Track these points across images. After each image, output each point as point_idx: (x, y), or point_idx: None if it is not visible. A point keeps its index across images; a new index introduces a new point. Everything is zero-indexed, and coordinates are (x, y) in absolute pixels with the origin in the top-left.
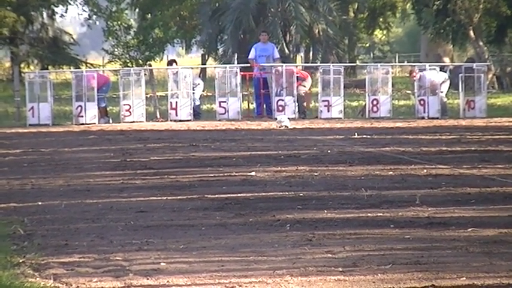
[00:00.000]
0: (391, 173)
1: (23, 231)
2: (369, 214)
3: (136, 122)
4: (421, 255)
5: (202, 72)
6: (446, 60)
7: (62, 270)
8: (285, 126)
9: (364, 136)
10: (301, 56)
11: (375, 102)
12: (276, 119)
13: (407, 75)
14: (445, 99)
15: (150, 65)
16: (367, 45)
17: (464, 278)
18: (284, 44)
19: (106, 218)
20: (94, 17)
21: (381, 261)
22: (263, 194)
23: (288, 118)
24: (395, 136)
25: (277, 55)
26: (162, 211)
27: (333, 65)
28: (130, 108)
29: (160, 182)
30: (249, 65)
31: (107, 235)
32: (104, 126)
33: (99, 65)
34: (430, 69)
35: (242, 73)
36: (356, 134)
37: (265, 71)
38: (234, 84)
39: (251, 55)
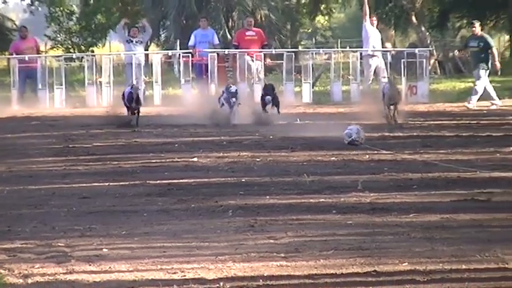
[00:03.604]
0: (333, 158)
1: None
2: (311, 200)
3: (79, 108)
4: (364, 240)
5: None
6: (389, 45)
7: (4, 256)
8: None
9: (307, 122)
10: None
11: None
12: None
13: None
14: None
15: (92, 51)
16: (310, 30)
17: (407, 264)
18: (226, 30)
19: (49, 204)
20: (36, 3)
21: (323, 246)
22: (205, 180)
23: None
24: (338, 121)
25: (217, 41)
26: (105, 197)
27: (275, 51)
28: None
29: (103, 168)
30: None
31: (49, 221)
32: (47, 112)
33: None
34: (372, 55)
35: (185, 59)
36: (298, 120)
37: (206, 57)
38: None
39: (191, 42)
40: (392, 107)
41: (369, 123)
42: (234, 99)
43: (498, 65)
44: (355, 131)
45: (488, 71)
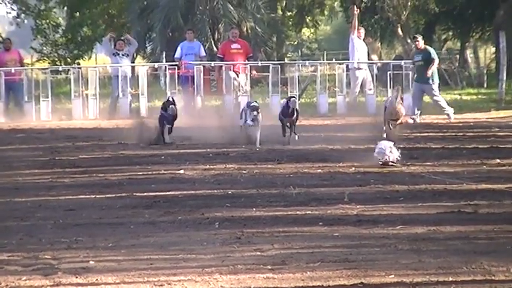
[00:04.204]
0: (319, 170)
1: None
2: (298, 212)
3: (65, 120)
4: (350, 252)
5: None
6: (375, 57)
7: None
8: None
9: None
10: None
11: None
12: None
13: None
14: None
15: (78, 63)
16: (296, 42)
17: (393, 276)
18: (212, 42)
19: (35, 217)
20: (22, 15)
21: (310, 258)
22: (192, 192)
23: None
24: (324, 133)
25: (203, 53)
26: (91, 209)
27: (261, 63)
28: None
29: (89, 180)
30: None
31: (35, 233)
32: (33, 124)
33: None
34: (358, 67)
35: (171, 71)
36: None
37: (192, 69)
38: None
39: (177, 54)
40: (393, 123)
41: (354, 135)
42: (255, 112)
43: (429, 73)
44: (388, 149)
45: (437, 83)
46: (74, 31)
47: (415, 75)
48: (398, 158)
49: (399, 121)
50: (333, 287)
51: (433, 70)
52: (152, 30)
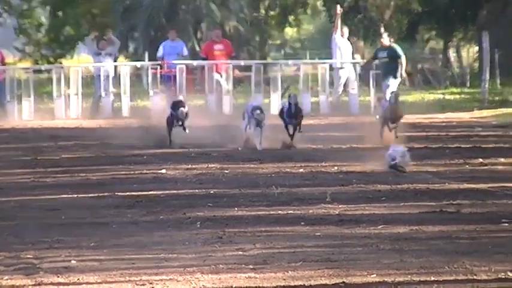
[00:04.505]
0: (301, 170)
1: None
2: (280, 211)
3: (48, 120)
4: (332, 252)
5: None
6: (358, 57)
7: None
8: None
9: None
10: None
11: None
12: None
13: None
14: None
15: (61, 63)
16: (278, 42)
17: (375, 275)
18: (195, 41)
19: (17, 216)
20: (5, 14)
21: (292, 258)
22: (174, 191)
23: None
24: (307, 133)
25: (186, 52)
26: (73, 209)
27: (243, 62)
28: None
29: (72, 180)
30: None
31: (18, 233)
32: (15, 124)
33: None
34: (341, 66)
35: (153, 71)
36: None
37: (175, 69)
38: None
39: (159, 53)
40: (391, 125)
41: (337, 134)
42: (258, 111)
43: (405, 74)
44: (400, 154)
45: (398, 81)
46: (57, 31)
47: (381, 73)
48: (406, 169)
49: (398, 121)
50: (314, 286)
51: (403, 69)
52: (135, 30)
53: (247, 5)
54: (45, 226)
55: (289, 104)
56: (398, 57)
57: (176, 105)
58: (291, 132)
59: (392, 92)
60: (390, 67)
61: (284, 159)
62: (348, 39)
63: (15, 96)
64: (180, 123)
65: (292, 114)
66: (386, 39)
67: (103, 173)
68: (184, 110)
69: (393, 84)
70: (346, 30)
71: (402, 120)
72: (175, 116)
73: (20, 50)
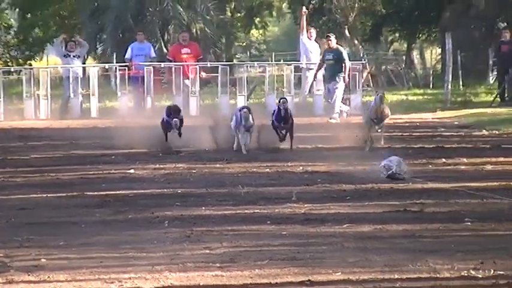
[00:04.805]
0: (268, 170)
1: None
2: (246, 210)
3: (18, 120)
4: (298, 250)
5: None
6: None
7: None
8: None
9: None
10: None
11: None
12: None
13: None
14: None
15: (30, 64)
16: (244, 44)
17: (340, 273)
18: (162, 43)
19: None
20: None
21: (258, 256)
22: (142, 191)
23: None
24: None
25: (153, 54)
26: (43, 208)
27: (210, 64)
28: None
29: (41, 180)
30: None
31: None
32: None
33: None
34: (308, 67)
35: (121, 72)
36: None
37: (142, 70)
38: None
39: (127, 54)
40: (376, 127)
41: (302, 135)
42: (245, 109)
43: (347, 79)
44: (395, 163)
45: (343, 84)
46: (26, 32)
47: (327, 75)
48: (405, 175)
49: (384, 122)
50: (280, 284)
51: (346, 73)
52: (103, 32)
53: (214, 7)
54: (16, 225)
55: (279, 108)
56: (343, 60)
57: (171, 113)
58: (283, 134)
59: (378, 93)
60: (335, 69)
61: (250, 160)
62: (316, 41)
63: None
64: (176, 130)
65: (282, 118)
66: (333, 41)
67: (72, 173)
68: (177, 119)
69: (341, 87)
70: (314, 31)
71: (387, 120)
72: (169, 123)
73: None
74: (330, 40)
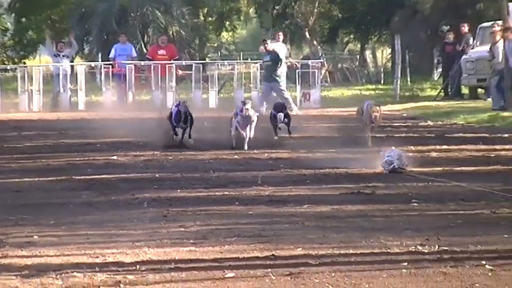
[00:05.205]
0: (236, 156)
1: None
2: (217, 193)
3: (13, 113)
4: (263, 228)
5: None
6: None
7: None
8: None
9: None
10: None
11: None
12: None
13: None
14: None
15: (24, 63)
16: (216, 44)
17: (301, 249)
18: (142, 44)
19: None
20: None
21: (227, 234)
22: (124, 175)
23: None
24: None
25: (134, 54)
26: (35, 191)
27: (185, 62)
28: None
29: (34, 166)
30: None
31: None
32: None
33: None
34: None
35: (106, 70)
36: (205, 123)
37: (124, 68)
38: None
39: (111, 54)
40: (372, 125)
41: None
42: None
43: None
44: (395, 157)
45: (284, 82)
46: (21, 35)
47: (264, 75)
48: (406, 167)
49: (374, 123)
50: (247, 258)
51: (281, 70)
52: (90, 34)
53: (188, 12)
54: (10, 206)
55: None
56: (279, 60)
57: (180, 109)
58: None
59: (368, 102)
60: (272, 69)
61: (220, 147)
62: (283, 42)
63: None
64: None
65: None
66: (269, 45)
67: (61, 159)
68: (187, 121)
69: (284, 84)
70: (281, 34)
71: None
72: (174, 117)
73: None
74: (267, 44)
